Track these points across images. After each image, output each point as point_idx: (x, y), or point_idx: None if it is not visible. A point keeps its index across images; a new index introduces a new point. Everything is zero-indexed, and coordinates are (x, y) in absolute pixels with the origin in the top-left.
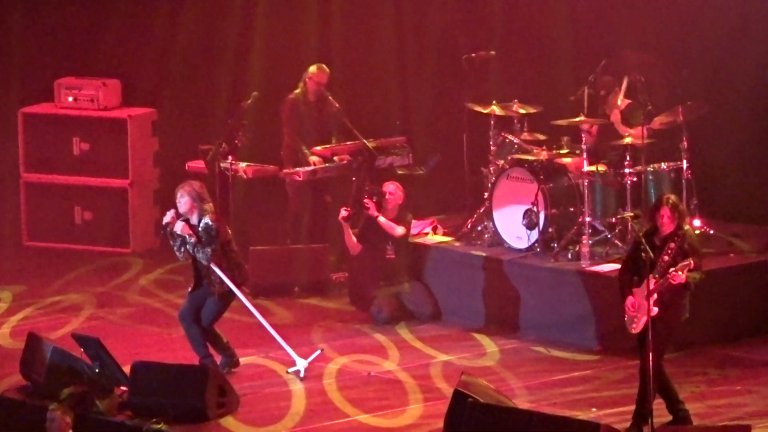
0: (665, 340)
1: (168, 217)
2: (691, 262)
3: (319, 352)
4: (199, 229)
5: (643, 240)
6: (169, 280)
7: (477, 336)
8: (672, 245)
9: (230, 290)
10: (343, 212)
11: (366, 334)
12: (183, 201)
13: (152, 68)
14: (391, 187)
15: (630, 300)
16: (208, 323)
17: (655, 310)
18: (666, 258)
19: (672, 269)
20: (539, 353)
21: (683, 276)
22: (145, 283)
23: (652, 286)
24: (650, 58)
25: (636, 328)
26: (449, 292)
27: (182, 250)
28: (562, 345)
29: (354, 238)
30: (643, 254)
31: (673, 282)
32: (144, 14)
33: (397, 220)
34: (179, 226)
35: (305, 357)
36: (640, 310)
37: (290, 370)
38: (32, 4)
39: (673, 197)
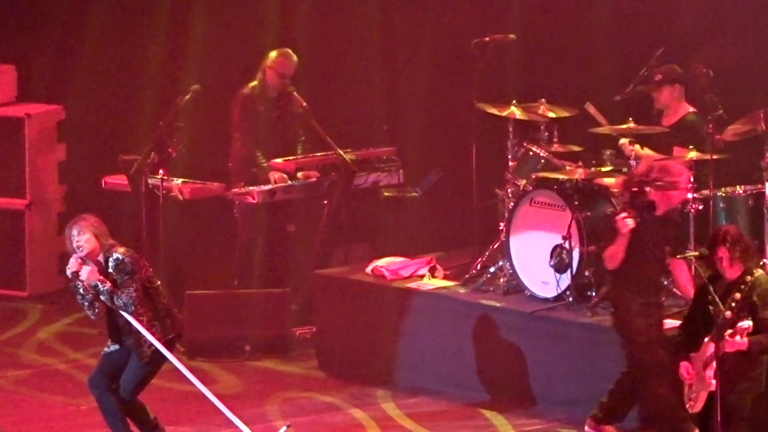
0: (738, 425)
1: (74, 264)
2: (750, 324)
3: (285, 429)
4: (110, 269)
5: (711, 288)
6: (77, 334)
7: (485, 412)
8: (737, 296)
9: (159, 351)
10: (629, 222)
11: (339, 408)
12: (84, 239)
13: (57, 50)
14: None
15: (685, 366)
16: (129, 393)
17: (713, 383)
18: (728, 314)
19: (728, 332)
20: None
21: (743, 341)
22: (46, 337)
23: (710, 352)
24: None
25: (694, 406)
26: (449, 353)
27: (96, 305)
28: None
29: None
30: (710, 306)
31: (727, 350)
32: None
33: None
34: (85, 272)
35: None
36: (700, 381)
37: None
38: None
39: (733, 230)
